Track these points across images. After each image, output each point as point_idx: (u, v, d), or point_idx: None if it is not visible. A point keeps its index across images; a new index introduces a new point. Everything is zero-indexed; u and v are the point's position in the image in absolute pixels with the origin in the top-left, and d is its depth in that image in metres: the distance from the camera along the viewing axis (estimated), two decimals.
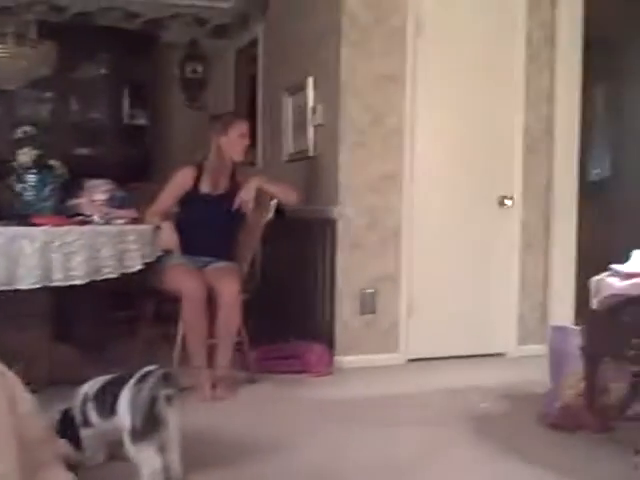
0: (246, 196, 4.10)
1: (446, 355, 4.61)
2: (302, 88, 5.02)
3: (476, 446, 3.08)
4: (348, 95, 4.50)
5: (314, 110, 4.88)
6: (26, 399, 2.44)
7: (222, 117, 4.36)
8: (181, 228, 4.06)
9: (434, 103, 4.65)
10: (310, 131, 4.94)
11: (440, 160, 4.68)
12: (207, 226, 4.09)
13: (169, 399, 2.50)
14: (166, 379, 2.50)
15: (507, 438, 3.17)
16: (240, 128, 4.18)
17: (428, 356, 4.60)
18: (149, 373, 2.58)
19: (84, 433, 2.75)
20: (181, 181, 4.21)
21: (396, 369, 4.48)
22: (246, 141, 4.21)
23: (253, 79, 6.36)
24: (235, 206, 4.11)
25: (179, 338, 3.80)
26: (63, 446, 2.69)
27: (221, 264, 4.06)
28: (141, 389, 2.53)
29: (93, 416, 2.70)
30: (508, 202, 4.78)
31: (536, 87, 4.86)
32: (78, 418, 2.75)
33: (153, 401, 2.45)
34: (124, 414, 2.55)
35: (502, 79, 4.80)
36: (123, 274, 3.66)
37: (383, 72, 4.55)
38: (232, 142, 4.15)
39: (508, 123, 4.81)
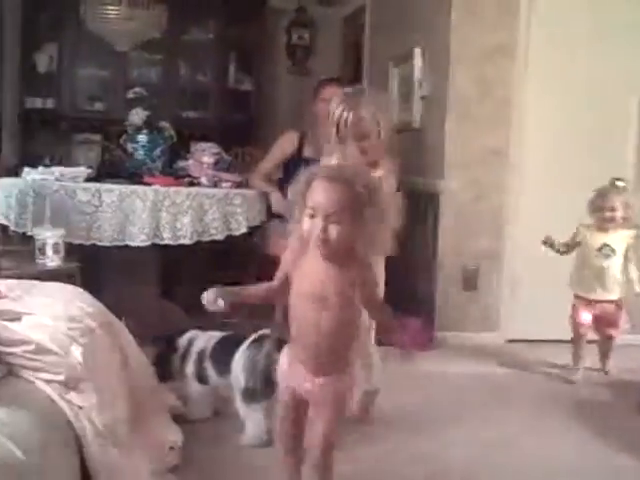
0: None
1: (547, 338, 4.45)
2: (408, 59, 4.94)
3: (573, 430, 3.07)
4: (457, 66, 4.40)
5: (420, 82, 4.80)
6: (135, 350, 2.50)
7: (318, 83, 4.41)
8: (285, 194, 4.07)
9: (546, 76, 4.48)
10: (416, 103, 4.85)
11: (550, 136, 4.52)
12: None
13: None
14: (281, 345, 2.51)
15: (603, 423, 3.14)
16: (327, 93, 4.07)
17: (528, 338, 4.46)
18: (264, 337, 2.60)
19: (199, 389, 2.79)
20: (285, 145, 4.31)
21: (495, 348, 4.37)
22: None
23: (358, 47, 6.31)
24: None
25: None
26: (170, 398, 2.75)
27: None
28: (258, 352, 2.55)
29: (212, 374, 2.74)
30: (620, 184, 4.59)
31: None
32: (192, 373, 2.79)
33: (269, 365, 2.47)
34: (239, 374, 2.58)
35: (617, 55, 4.54)
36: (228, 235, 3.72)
37: (493, 42, 4.41)
38: (320, 108, 4.12)
39: (623, 102, 4.60)
